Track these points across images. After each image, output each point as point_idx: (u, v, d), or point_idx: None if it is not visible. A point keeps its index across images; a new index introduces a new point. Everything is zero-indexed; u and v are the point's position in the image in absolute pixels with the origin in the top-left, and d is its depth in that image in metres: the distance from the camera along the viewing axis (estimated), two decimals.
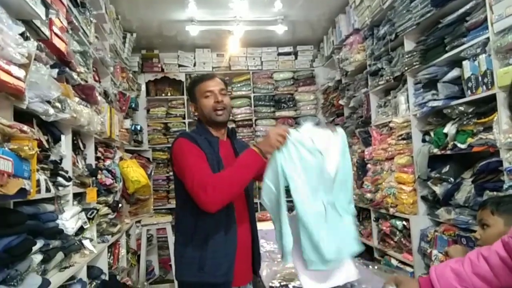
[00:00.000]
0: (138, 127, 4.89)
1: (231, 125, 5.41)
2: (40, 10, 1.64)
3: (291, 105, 5.62)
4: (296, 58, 5.73)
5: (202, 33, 4.76)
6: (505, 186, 2.14)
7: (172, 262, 3.77)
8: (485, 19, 2.33)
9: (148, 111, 5.46)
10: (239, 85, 5.61)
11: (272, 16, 4.64)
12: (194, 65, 5.57)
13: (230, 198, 1.52)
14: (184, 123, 5.47)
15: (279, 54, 5.68)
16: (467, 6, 2.49)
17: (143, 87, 5.42)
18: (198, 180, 1.48)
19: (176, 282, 2.90)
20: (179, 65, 5.52)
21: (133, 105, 4.77)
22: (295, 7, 4.43)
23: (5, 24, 1.37)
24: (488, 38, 2.31)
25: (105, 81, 3.60)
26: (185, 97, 5.49)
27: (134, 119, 5.13)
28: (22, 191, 1.39)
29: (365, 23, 3.92)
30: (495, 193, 2.25)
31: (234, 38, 4.94)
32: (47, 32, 1.86)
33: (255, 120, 5.56)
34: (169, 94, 5.59)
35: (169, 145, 5.42)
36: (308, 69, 5.72)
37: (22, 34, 1.52)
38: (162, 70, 5.49)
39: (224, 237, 1.61)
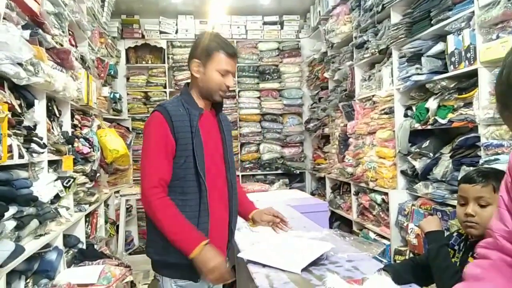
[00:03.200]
0: (117, 95, 4.76)
1: None
2: None
3: (276, 77, 5.54)
4: (282, 28, 5.61)
5: None
6: (481, 161, 2.18)
7: None
8: None
9: (127, 79, 5.31)
10: None
11: None
12: (176, 32, 5.40)
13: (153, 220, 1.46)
14: (165, 92, 5.36)
15: (265, 23, 5.55)
16: None
17: (123, 54, 5.24)
18: (147, 180, 1.45)
19: None
20: (161, 32, 5.35)
21: (112, 72, 4.62)
22: None
23: None
24: (473, 12, 2.29)
25: (82, 46, 3.46)
26: (166, 65, 5.35)
27: (113, 87, 4.98)
28: None
29: None
30: (471, 168, 2.28)
31: (218, 4, 4.79)
32: None
33: (239, 91, 5.49)
34: (149, 61, 5.44)
35: (149, 115, 5.32)
36: (294, 40, 5.62)
37: None
38: (143, 36, 5.31)
39: (196, 220, 1.49)
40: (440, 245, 1.36)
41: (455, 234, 1.42)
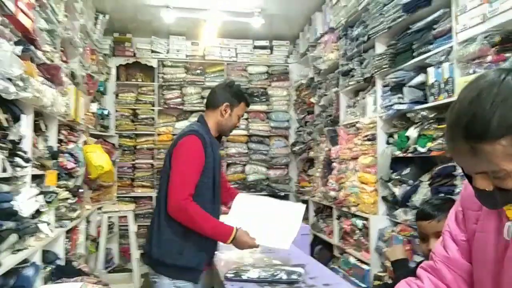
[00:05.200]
0: (106, 112, 4.78)
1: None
2: None
3: (264, 99, 5.63)
4: (271, 52, 5.74)
5: (177, 20, 4.69)
6: (457, 190, 2.24)
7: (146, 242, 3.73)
8: (450, 29, 2.42)
9: (116, 95, 5.34)
10: (212, 75, 5.56)
11: (250, 8, 4.62)
12: (168, 52, 5.48)
13: (185, 224, 1.73)
14: (153, 110, 5.40)
15: (255, 47, 5.67)
16: (435, 15, 2.57)
17: (113, 71, 5.29)
18: (180, 192, 1.70)
19: (135, 271, 2.87)
20: (152, 51, 5.42)
21: (101, 89, 4.67)
22: (273, 0, 4.44)
23: None
24: (452, 47, 2.39)
25: (73, 62, 3.50)
26: (156, 83, 5.41)
27: (102, 103, 5.01)
28: None
29: (340, 23, 3.98)
30: (448, 196, 2.34)
31: (209, 27, 4.90)
32: (12, 7, 1.79)
33: None
34: (140, 80, 5.49)
35: (137, 132, 5.35)
36: (283, 64, 5.74)
37: None
38: (134, 55, 5.37)
39: None
40: (406, 272, 1.40)
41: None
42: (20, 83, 1.94)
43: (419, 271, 0.96)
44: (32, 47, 2.16)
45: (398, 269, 1.45)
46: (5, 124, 1.92)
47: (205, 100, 5.53)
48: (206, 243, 1.81)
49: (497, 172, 0.70)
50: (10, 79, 1.81)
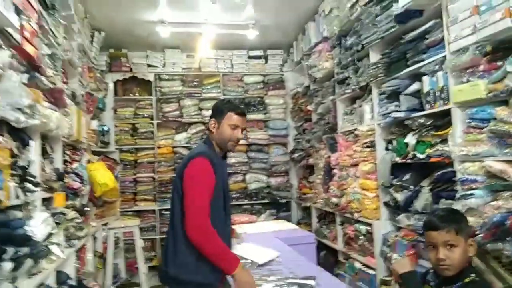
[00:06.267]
0: (106, 128, 4.82)
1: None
2: (13, 18, 1.63)
3: (261, 108, 5.70)
4: (266, 62, 5.81)
5: (172, 34, 4.74)
6: (457, 196, 2.31)
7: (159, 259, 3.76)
8: (443, 38, 2.49)
9: (115, 111, 5.38)
10: (209, 87, 5.62)
11: (243, 20, 4.68)
12: (164, 65, 5.54)
13: (198, 245, 1.78)
14: (152, 123, 5.45)
15: (250, 57, 5.74)
16: (427, 25, 2.65)
17: (111, 87, 5.33)
18: (198, 215, 1.77)
19: (143, 285, 2.92)
20: (148, 65, 5.48)
21: (100, 105, 4.70)
22: (266, 12, 4.50)
23: None
24: (445, 57, 2.47)
25: (73, 82, 3.54)
26: (153, 97, 5.46)
27: (101, 119, 5.04)
28: None
29: (333, 32, 4.05)
30: (450, 201, 2.41)
31: (204, 40, 4.96)
32: (19, 38, 1.84)
33: None
34: (137, 94, 5.54)
35: (137, 146, 5.39)
36: (278, 73, 5.82)
37: None
38: (131, 69, 5.42)
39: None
40: (415, 284, 1.46)
41: (431, 270, 1.53)
42: (28, 111, 1.98)
43: None
44: (37, 74, 2.21)
45: (407, 282, 1.50)
46: (16, 152, 1.96)
47: (203, 112, 5.63)
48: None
49: None
50: (19, 109, 1.85)
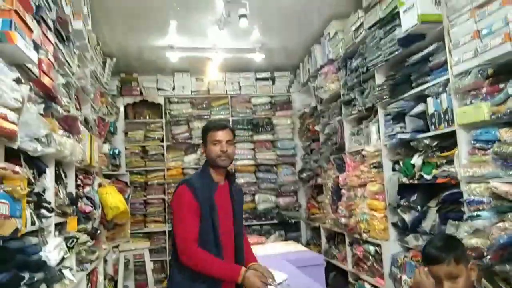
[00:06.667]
0: (117, 151, 4.91)
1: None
2: (33, 55, 1.72)
3: (269, 129, 5.77)
4: (273, 83, 5.91)
5: (181, 58, 4.87)
6: (465, 217, 2.32)
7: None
8: (446, 61, 2.55)
9: (126, 134, 5.49)
10: (217, 109, 5.73)
11: (250, 44, 4.80)
12: (173, 88, 5.66)
13: (194, 269, 1.85)
14: (163, 146, 5.53)
15: (257, 79, 5.85)
16: (430, 48, 2.71)
17: (122, 110, 5.45)
18: (183, 240, 1.86)
19: None
20: (158, 89, 5.61)
21: (112, 129, 4.81)
22: (272, 35, 4.61)
23: (2, 71, 1.45)
24: (448, 79, 2.52)
25: (86, 108, 3.64)
26: (163, 120, 5.56)
27: (112, 142, 5.14)
28: (15, 230, 1.45)
29: (339, 55, 4.13)
30: (457, 222, 2.42)
31: (213, 64, 5.07)
32: (37, 72, 1.94)
33: (234, 143, 5.65)
34: (147, 117, 5.64)
35: (147, 168, 5.47)
36: (285, 94, 5.91)
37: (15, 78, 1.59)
38: (141, 93, 5.55)
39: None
40: None
41: None
42: (44, 140, 2.06)
43: None
44: (53, 104, 2.30)
45: None
46: (32, 180, 2.03)
47: None
48: (214, 284, 1.88)
49: None
50: (36, 138, 1.93)
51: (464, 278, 1.44)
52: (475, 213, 2.25)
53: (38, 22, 2.02)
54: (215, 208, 1.91)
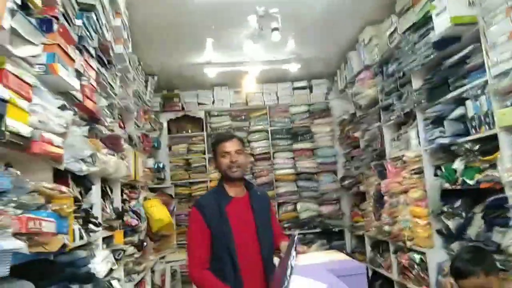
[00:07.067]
0: (161, 165, 5.11)
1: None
2: (75, 82, 1.87)
3: (308, 137, 5.77)
4: (311, 91, 5.91)
5: (219, 73, 5.01)
6: (510, 223, 2.22)
7: None
8: (483, 63, 2.46)
9: (170, 148, 5.69)
10: (256, 119, 5.81)
11: (285, 55, 4.85)
12: (213, 102, 5.82)
13: None
14: (205, 158, 5.68)
15: (294, 88, 5.88)
16: (466, 50, 2.63)
17: (165, 126, 5.67)
18: (188, 265, 1.95)
19: None
20: (199, 103, 5.79)
21: (156, 145, 5.01)
22: (307, 45, 4.63)
23: (48, 100, 1.59)
24: (486, 81, 2.43)
25: (129, 125, 3.83)
26: (205, 133, 5.72)
27: (156, 157, 5.36)
28: (62, 245, 1.57)
29: (374, 60, 4.09)
30: (503, 229, 2.32)
31: (250, 77, 5.17)
32: (80, 97, 2.09)
33: (273, 153, 5.72)
34: (189, 131, 5.83)
35: (191, 180, 5.64)
36: (323, 101, 5.89)
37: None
38: (183, 108, 5.75)
39: None
40: None
41: None
42: (89, 160, 2.21)
43: None
44: (96, 125, 2.46)
45: None
46: (79, 197, 2.19)
47: (251, 144, 5.76)
48: None
49: None
50: (81, 159, 2.08)
51: None
52: None
53: (80, 51, 2.18)
54: (227, 222, 1.88)
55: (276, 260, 2.06)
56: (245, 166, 2.04)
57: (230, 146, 1.99)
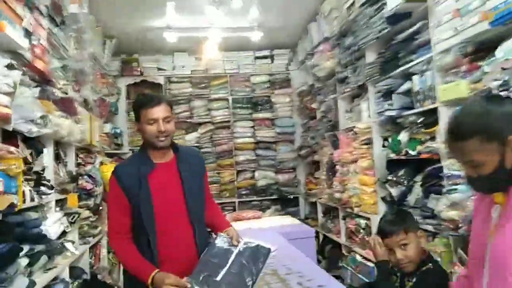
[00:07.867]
0: (118, 131, 5.05)
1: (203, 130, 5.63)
2: (23, 41, 1.82)
3: (268, 107, 5.85)
4: (272, 61, 5.94)
5: (180, 38, 4.92)
6: (443, 190, 2.42)
7: None
8: (430, 40, 2.59)
9: (128, 113, 5.59)
10: (217, 88, 5.80)
11: (248, 23, 4.83)
12: (173, 68, 5.73)
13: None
14: None
15: (256, 58, 5.88)
16: (415, 27, 2.75)
17: (123, 91, 5.54)
18: (108, 232, 1.89)
19: None
20: (158, 69, 5.68)
21: (113, 110, 4.93)
22: (270, 14, 4.62)
23: None
24: (432, 57, 2.57)
25: (85, 89, 3.73)
26: None
27: (114, 122, 5.27)
28: (11, 205, 1.59)
29: (333, 33, 4.16)
30: (438, 196, 2.53)
31: (211, 43, 5.12)
32: (29, 57, 2.04)
33: (234, 121, 5.78)
34: None
35: None
36: (284, 72, 5.94)
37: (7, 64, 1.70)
38: (142, 73, 5.63)
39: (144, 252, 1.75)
40: (387, 274, 1.62)
41: None
42: (40, 121, 2.18)
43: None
44: (48, 87, 2.41)
45: (380, 270, 1.65)
46: (30, 159, 2.17)
47: (212, 112, 5.75)
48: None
49: (473, 162, 1.06)
50: (32, 120, 2.05)
51: (413, 245, 1.59)
52: (453, 187, 2.35)
53: (30, 9, 2.11)
54: (147, 191, 1.72)
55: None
56: (173, 133, 1.81)
57: (158, 112, 1.72)
